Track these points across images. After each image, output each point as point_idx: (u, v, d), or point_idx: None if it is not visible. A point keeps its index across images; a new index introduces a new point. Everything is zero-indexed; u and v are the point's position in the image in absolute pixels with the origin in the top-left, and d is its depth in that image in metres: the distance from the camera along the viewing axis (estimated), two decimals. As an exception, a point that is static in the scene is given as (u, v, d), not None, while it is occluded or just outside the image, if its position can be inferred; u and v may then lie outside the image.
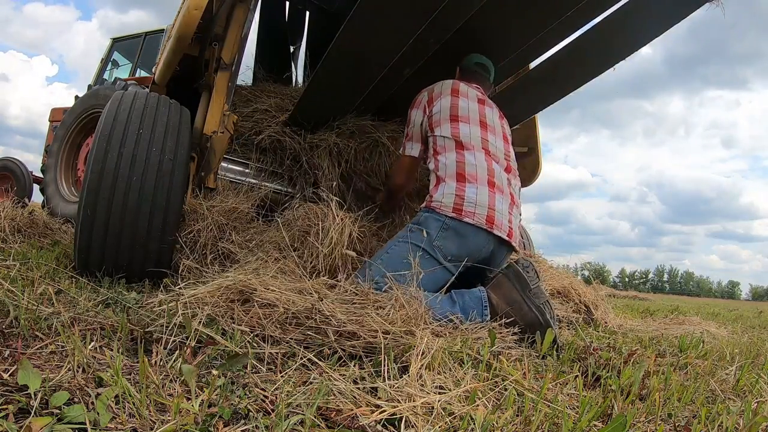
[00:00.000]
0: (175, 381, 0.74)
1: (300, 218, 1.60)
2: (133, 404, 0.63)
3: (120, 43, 4.84)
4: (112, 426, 0.58)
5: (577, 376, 1.03)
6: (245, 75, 2.92)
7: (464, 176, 1.61)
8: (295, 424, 0.63)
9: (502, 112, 1.89)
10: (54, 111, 4.97)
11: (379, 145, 2.14)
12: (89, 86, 4.33)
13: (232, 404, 0.68)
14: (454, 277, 1.52)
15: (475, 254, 1.57)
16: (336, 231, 1.49)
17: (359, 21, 1.55)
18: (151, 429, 0.59)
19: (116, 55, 4.86)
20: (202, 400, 0.66)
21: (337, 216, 1.53)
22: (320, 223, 1.52)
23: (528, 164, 2.70)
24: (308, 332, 1.04)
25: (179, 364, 0.75)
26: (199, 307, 1.09)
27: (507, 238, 1.60)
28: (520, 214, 1.79)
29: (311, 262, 1.45)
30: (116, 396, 0.64)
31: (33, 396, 0.61)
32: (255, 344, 0.97)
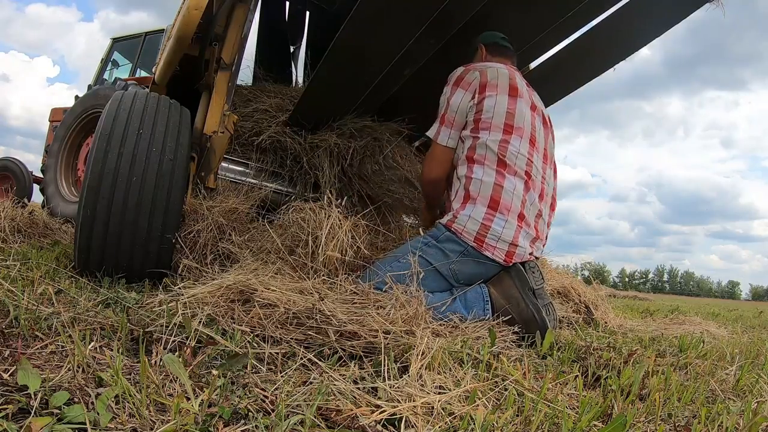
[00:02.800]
0: (175, 381, 0.74)
1: (294, 224, 1.54)
2: (133, 404, 0.63)
3: (120, 43, 4.85)
4: (112, 426, 0.58)
5: (577, 376, 1.03)
6: (245, 75, 2.92)
7: (498, 204, 1.46)
8: (295, 424, 0.63)
9: (546, 114, 1.72)
10: (54, 111, 4.98)
11: (379, 143, 2.12)
12: (89, 86, 4.34)
13: (232, 404, 0.68)
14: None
15: (488, 278, 1.52)
16: (327, 242, 1.42)
17: (359, 21, 1.55)
18: (151, 429, 0.59)
19: (116, 55, 4.87)
20: (202, 400, 0.66)
21: (330, 219, 1.47)
22: (310, 234, 1.46)
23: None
24: (309, 332, 1.04)
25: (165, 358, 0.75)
26: (199, 307, 1.09)
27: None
28: (544, 245, 1.64)
29: (306, 270, 1.43)
30: (116, 396, 0.64)
31: (33, 396, 0.61)
32: (255, 344, 0.97)
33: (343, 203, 1.56)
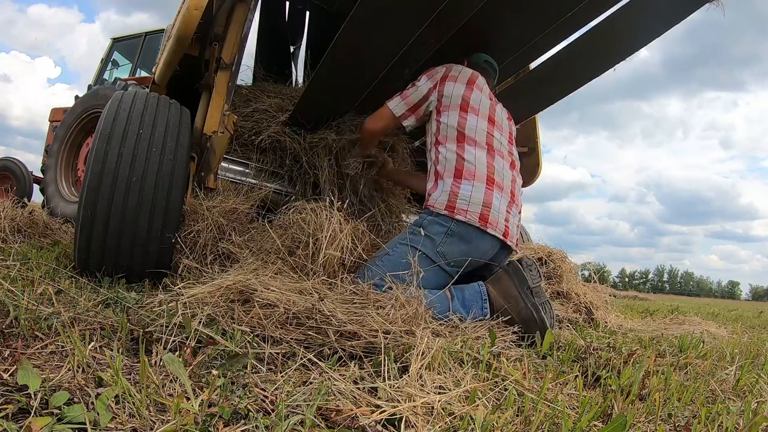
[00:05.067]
0: (175, 381, 0.74)
1: (294, 224, 1.54)
2: (133, 404, 0.63)
3: (120, 43, 4.84)
4: (112, 426, 0.58)
5: (577, 376, 1.03)
6: (245, 75, 2.92)
7: (461, 172, 1.58)
8: (295, 424, 0.63)
9: (509, 113, 1.88)
10: (54, 111, 4.97)
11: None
12: (89, 86, 4.34)
13: (232, 404, 0.68)
14: (454, 279, 1.52)
15: (479, 259, 1.55)
16: (327, 244, 1.42)
17: (359, 21, 1.54)
18: (151, 429, 0.59)
19: (116, 55, 4.86)
20: (202, 400, 0.66)
21: (331, 221, 1.47)
22: (311, 235, 1.45)
23: (528, 164, 2.70)
24: (309, 332, 1.04)
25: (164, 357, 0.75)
26: (199, 307, 1.09)
27: (502, 238, 1.57)
28: (520, 213, 1.75)
29: (305, 271, 1.42)
30: (116, 396, 0.64)
31: (33, 396, 0.61)
32: (255, 344, 0.97)
33: (345, 205, 1.56)
